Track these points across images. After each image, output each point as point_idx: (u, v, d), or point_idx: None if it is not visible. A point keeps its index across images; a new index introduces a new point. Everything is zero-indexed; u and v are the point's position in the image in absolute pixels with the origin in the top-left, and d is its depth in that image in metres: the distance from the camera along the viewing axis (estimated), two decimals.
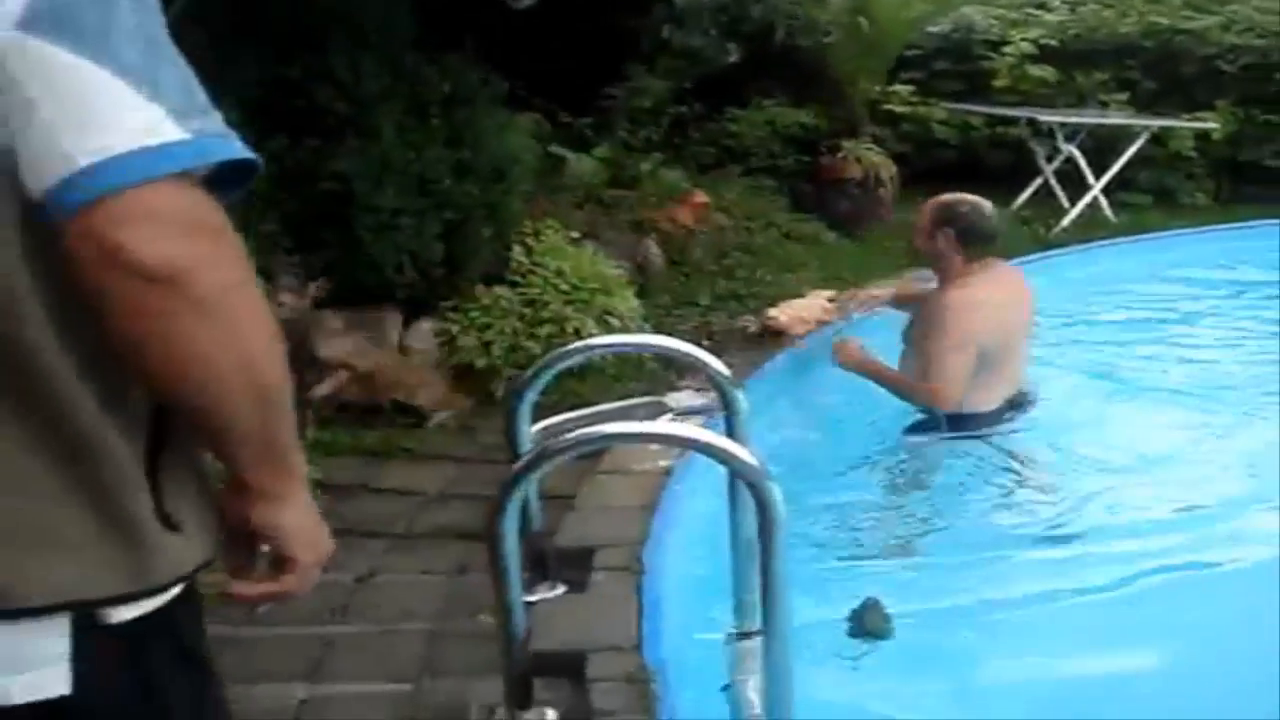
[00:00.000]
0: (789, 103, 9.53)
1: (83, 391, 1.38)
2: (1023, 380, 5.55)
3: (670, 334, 6.36)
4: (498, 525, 3.00)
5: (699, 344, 6.24)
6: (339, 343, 5.47)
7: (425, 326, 5.77)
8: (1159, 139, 10.01)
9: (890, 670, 3.72)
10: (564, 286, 5.97)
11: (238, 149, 1.38)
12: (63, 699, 1.42)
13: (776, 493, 2.95)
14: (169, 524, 1.46)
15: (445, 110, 5.99)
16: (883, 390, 5.42)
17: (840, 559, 4.47)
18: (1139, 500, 4.92)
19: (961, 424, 5.30)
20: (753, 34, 7.29)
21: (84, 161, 1.26)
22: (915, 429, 5.38)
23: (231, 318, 1.36)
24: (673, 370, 5.83)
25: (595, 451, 4.43)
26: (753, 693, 2.96)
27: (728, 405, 3.81)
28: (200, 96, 1.37)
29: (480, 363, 5.61)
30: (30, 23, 1.27)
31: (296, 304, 4.98)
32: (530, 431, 3.73)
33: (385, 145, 5.67)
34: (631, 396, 5.56)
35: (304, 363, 5.05)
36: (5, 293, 1.32)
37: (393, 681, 3.43)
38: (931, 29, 10.64)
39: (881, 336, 5.72)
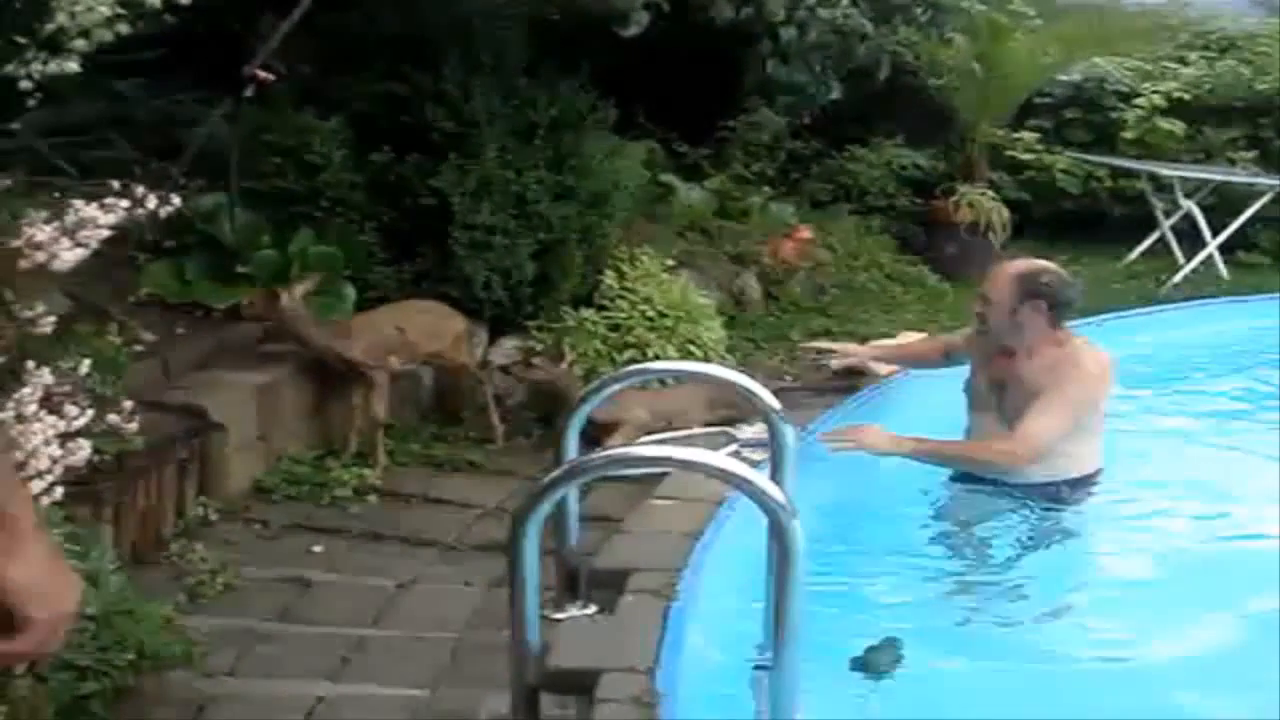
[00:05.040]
0: (910, 144, 9.54)
1: None
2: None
3: (757, 366, 6.45)
4: (519, 539, 3.10)
5: (781, 378, 6.37)
6: None
7: (509, 344, 5.90)
8: None
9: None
10: (650, 313, 6.07)
11: None
12: None
13: (797, 529, 3.00)
14: None
15: (551, 134, 6.12)
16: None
17: None
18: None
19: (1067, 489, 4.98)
20: (858, 72, 7.31)
21: None
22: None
23: None
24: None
25: (649, 476, 4.49)
26: None
27: (774, 438, 3.87)
28: None
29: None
30: None
31: None
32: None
33: (486, 165, 5.82)
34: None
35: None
36: None
37: (412, 687, 3.52)
38: (1063, 77, 10.51)
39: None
